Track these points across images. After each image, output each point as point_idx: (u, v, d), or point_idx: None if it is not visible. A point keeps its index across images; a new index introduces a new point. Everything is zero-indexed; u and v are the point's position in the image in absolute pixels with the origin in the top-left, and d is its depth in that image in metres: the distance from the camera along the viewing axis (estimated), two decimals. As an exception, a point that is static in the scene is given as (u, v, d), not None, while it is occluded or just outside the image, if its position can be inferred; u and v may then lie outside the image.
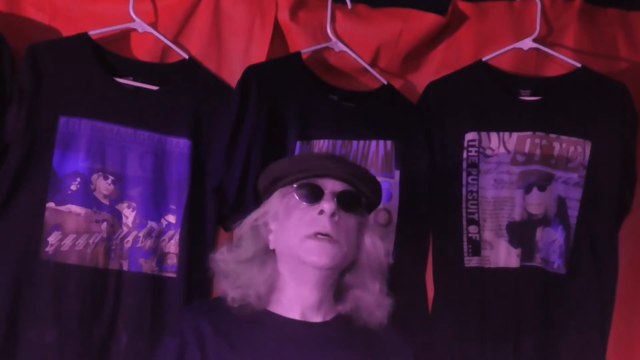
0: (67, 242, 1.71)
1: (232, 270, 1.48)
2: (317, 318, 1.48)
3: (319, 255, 1.43)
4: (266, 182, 1.56)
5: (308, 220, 1.45)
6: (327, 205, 1.45)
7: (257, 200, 1.68)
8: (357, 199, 1.51)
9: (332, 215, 1.44)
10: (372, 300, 1.49)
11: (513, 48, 2.01)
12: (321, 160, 1.52)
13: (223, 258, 1.50)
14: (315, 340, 1.45)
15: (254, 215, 1.53)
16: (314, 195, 1.47)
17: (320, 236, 1.43)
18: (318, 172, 1.49)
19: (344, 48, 1.99)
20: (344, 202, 1.48)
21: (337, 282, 1.51)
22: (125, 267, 1.75)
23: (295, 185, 1.49)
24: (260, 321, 1.45)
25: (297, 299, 1.47)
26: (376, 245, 1.53)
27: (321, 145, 1.86)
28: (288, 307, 1.47)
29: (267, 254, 1.50)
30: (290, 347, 1.43)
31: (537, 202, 1.90)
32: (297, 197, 1.48)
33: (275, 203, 1.52)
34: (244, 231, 1.52)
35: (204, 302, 1.64)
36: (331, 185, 1.48)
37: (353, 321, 1.49)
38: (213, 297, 1.58)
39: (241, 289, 1.45)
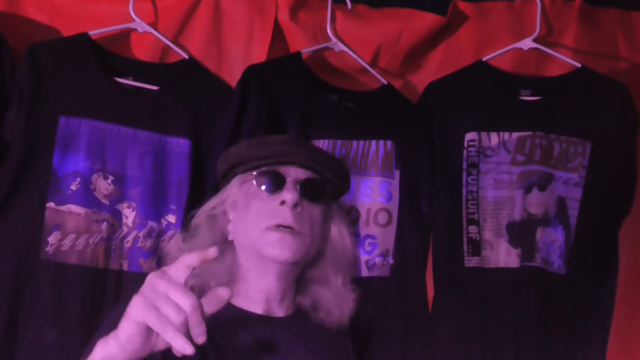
0: (67, 242, 1.71)
1: None
2: (280, 311, 1.41)
3: (281, 248, 1.34)
4: (224, 167, 1.45)
5: (268, 210, 1.36)
6: (289, 195, 1.35)
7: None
8: (322, 187, 1.42)
9: (295, 206, 1.35)
10: (331, 298, 1.42)
11: (513, 48, 2.01)
12: (283, 146, 1.41)
13: (179, 247, 1.41)
14: (277, 336, 1.37)
15: (211, 203, 1.44)
16: (275, 183, 1.38)
17: (282, 228, 1.34)
18: (280, 158, 1.39)
19: (344, 48, 1.99)
20: (308, 191, 1.39)
21: (300, 274, 1.43)
22: (125, 267, 1.75)
23: (255, 173, 1.39)
24: (223, 314, 1.31)
25: (259, 292, 1.39)
26: (343, 235, 1.45)
27: (321, 145, 1.86)
28: (251, 299, 1.39)
29: (226, 244, 1.41)
30: (253, 341, 1.34)
31: (537, 202, 1.90)
32: (256, 186, 1.39)
33: (234, 191, 1.42)
34: (200, 220, 1.43)
35: None
36: (294, 173, 1.39)
37: (310, 318, 1.42)
38: None
39: (200, 278, 1.35)
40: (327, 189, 1.44)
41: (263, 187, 1.38)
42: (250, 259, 1.39)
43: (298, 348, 1.38)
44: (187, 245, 1.40)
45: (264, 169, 1.39)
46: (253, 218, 1.37)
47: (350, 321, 1.43)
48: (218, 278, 1.36)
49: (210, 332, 1.25)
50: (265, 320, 1.38)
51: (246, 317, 1.37)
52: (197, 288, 1.33)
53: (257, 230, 1.36)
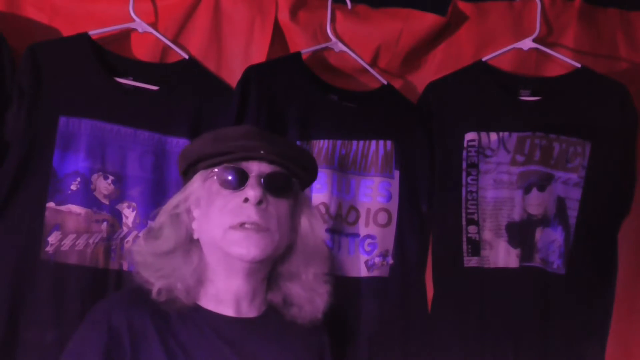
0: (67, 242, 1.71)
1: (151, 263, 1.33)
2: (251, 312, 1.37)
3: (247, 247, 1.29)
4: (185, 164, 1.40)
5: (232, 208, 1.31)
6: (252, 192, 1.30)
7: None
8: (287, 181, 1.37)
9: (259, 202, 1.30)
10: (302, 293, 1.39)
11: (513, 48, 2.01)
12: (244, 140, 1.35)
13: (139, 250, 1.36)
14: (249, 338, 1.34)
15: (174, 201, 1.38)
16: (238, 179, 1.32)
17: (246, 226, 1.30)
18: (242, 154, 1.33)
19: (344, 48, 1.99)
20: (272, 186, 1.34)
21: (270, 271, 1.40)
22: (125, 267, 1.75)
23: (216, 169, 1.34)
24: (192, 318, 1.32)
25: (229, 292, 1.35)
26: (313, 227, 1.41)
27: (321, 145, 1.86)
28: (220, 301, 1.35)
29: (192, 243, 1.37)
30: (224, 346, 1.31)
31: (536, 203, 1.90)
32: (218, 183, 1.33)
33: (196, 187, 1.37)
34: (163, 220, 1.37)
35: (126, 293, 1.44)
36: (257, 168, 1.34)
37: (282, 315, 1.39)
38: (131, 288, 1.38)
39: (166, 279, 1.31)
40: (293, 182, 1.39)
41: (225, 185, 1.33)
42: (216, 259, 1.35)
43: (270, 349, 1.35)
44: (150, 248, 1.35)
45: (225, 165, 1.34)
46: (216, 216, 1.32)
47: (325, 315, 1.40)
48: (185, 280, 1.33)
49: (179, 337, 1.27)
50: (235, 322, 1.35)
51: (216, 320, 1.34)
52: (165, 290, 1.31)
53: (220, 229, 1.31)
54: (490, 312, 1.88)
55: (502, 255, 1.90)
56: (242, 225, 1.30)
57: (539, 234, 1.90)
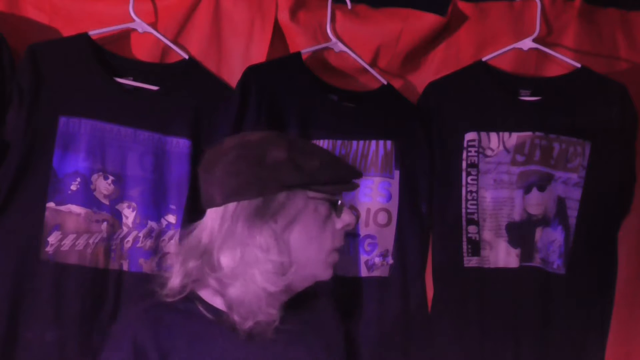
0: (67, 242, 1.71)
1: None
2: (276, 319, 1.33)
3: (332, 269, 1.35)
4: (294, 181, 1.29)
5: (332, 234, 1.33)
6: (350, 219, 1.34)
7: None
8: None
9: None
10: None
11: (513, 48, 2.01)
12: (349, 172, 1.36)
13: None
14: (274, 340, 1.31)
15: (265, 207, 1.29)
16: (337, 208, 1.35)
17: (337, 250, 1.35)
18: (346, 186, 1.35)
19: (344, 48, 1.99)
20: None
21: None
22: (125, 267, 1.75)
23: (339, 202, 1.34)
24: (219, 324, 1.29)
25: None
26: None
27: (321, 145, 1.86)
28: None
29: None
30: (251, 349, 1.30)
31: (536, 203, 1.91)
32: (328, 208, 1.32)
33: (300, 206, 1.30)
34: (243, 222, 1.28)
35: (148, 305, 1.34)
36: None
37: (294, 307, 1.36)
38: (146, 303, 1.34)
39: (188, 277, 1.30)
40: None
41: (332, 211, 1.34)
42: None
43: (294, 350, 1.35)
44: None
45: (333, 197, 1.34)
46: (321, 242, 1.32)
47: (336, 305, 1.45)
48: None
49: (205, 345, 1.27)
50: (264, 329, 1.31)
51: (247, 329, 1.30)
52: (178, 289, 1.30)
53: (322, 253, 1.32)
54: (490, 312, 1.88)
55: (502, 255, 1.90)
56: (336, 249, 1.34)
57: (539, 234, 1.90)
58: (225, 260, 1.29)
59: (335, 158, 1.43)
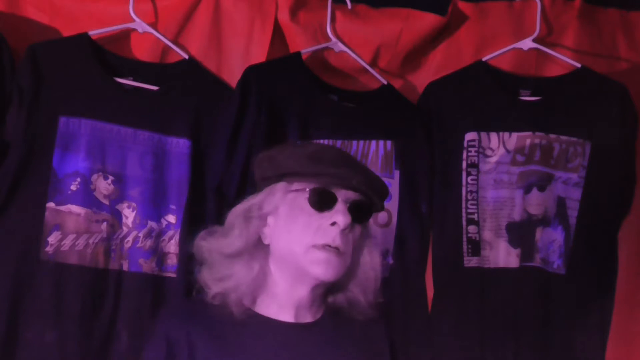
0: (67, 242, 1.71)
1: (216, 261, 1.37)
2: (308, 317, 1.40)
3: (326, 268, 1.33)
4: (269, 173, 1.41)
5: (317, 228, 1.34)
6: (342, 218, 1.33)
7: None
8: (369, 210, 1.41)
9: (345, 229, 1.34)
10: (356, 289, 1.42)
11: (513, 48, 2.01)
12: (338, 168, 1.37)
13: (208, 247, 1.39)
14: (307, 342, 1.37)
15: (248, 204, 1.40)
16: (327, 203, 1.35)
17: (328, 248, 1.33)
18: (334, 181, 1.36)
19: (344, 48, 1.99)
20: (357, 213, 1.37)
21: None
22: (125, 267, 1.75)
23: (307, 189, 1.36)
24: (250, 325, 1.36)
25: (291, 300, 1.38)
26: (372, 257, 1.45)
27: (321, 145, 1.86)
28: (279, 307, 1.38)
29: (257, 248, 1.39)
30: (283, 352, 1.34)
31: (536, 203, 1.91)
32: (308, 202, 1.35)
33: (277, 197, 1.38)
34: (235, 220, 1.39)
35: (184, 303, 1.52)
36: (344, 193, 1.36)
37: (339, 317, 1.41)
38: (189, 297, 1.47)
39: (224, 283, 1.35)
40: (372, 211, 1.42)
41: (314, 206, 1.35)
42: (286, 269, 1.38)
43: (327, 353, 1.38)
44: (217, 245, 1.38)
45: (318, 187, 1.36)
46: (299, 233, 1.35)
47: (379, 306, 1.44)
48: (243, 288, 1.36)
49: (240, 346, 1.33)
50: (293, 327, 1.38)
51: (275, 326, 1.37)
52: (220, 295, 1.36)
53: (302, 246, 1.34)
54: (490, 312, 1.88)
55: (502, 255, 1.90)
56: (324, 246, 1.33)
57: (539, 233, 1.90)
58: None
59: (322, 156, 1.40)
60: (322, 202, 1.35)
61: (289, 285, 1.38)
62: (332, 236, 1.33)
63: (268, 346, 1.34)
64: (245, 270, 1.37)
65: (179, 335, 1.32)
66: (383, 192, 1.44)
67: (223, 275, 1.36)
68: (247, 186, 1.80)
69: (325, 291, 1.42)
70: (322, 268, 1.33)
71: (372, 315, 1.42)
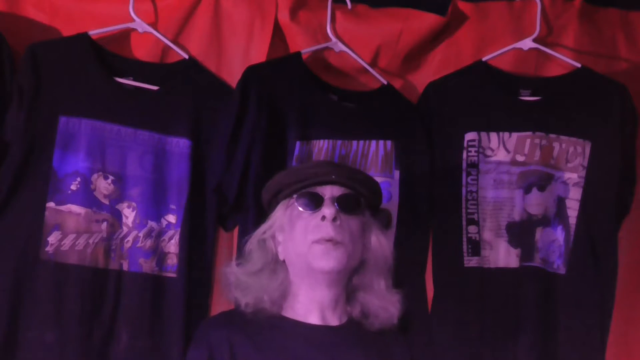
0: (67, 242, 1.71)
1: (243, 282, 1.54)
2: (334, 320, 1.55)
3: (327, 259, 1.49)
4: (268, 196, 1.62)
5: (312, 227, 1.51)
6: (328, 210, 1.50)
7: (257, 200, 1.69)
8: (357, 200, 1.56)
9: (334, 219, 1.50)
10: (377, 303, 1.56)
11: (513, 48, 2.01)
12: (317, 168, 1.57)
13: (233, 272, 1.57)
14: (335, 343, 1.51)
15: (261, 229, 1.59)
16: (315, 202, 1.53)
17: (324, 241, 1.49)
18: (315, 179, 1.54)
19: (344, 48, 1.99)
20: (344, 205, 1.54)
21: (347, 283, 1.58)
22: (125, 267, 1.75)
23: (295, 196, 1.55)
24: (281, 327, 1.52)
25: (314, 302, 1.54)
26: (381, 243, 1.60)
27: (321, 145, 1.86)
28: (306, 311, 1.54)
29: (277, 264, 1.57)
30: (313, 350, 1.49)
31: (536, 203, 1.90)
32: (298, 207, 1.54)
33: (279, 215, 1.58)
34: (252, 245, 1.58)
35: (222, 314, 1.65)
36: (330, 191, 1.54)
37: (362, 325, 1.56)
38: (225, 310, 1.66)
39: (254, 294, 1.52)
40: (361, 201, 1.58)
41: (304, 207, 1.54)
42: (300, 273, 1.55)
43: (354, 354, 1.52)
44: (242, 270, 1.56)
45: (302, 191, 1.55)
46: (299, 236, 1.52)
47: (400, 323, 1.60)
48: (271, 293, 1.53)
49: (275, 346, 1.47)
50: (321, 329, 1.53)
51: (304, 328, 1.52)
52: (252, 302, 1.52)
53: (304, 245, 1.51)
54: (490, 312, 1.88)
55: (502, 255, 1.90)
56: (321, 240, 1.50)
57: (539, 233, 1.90)
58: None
59: (303, 165, 1.68)
60: (310, 202, 1.54)
61: (308, 288, 1.54)
62: (325, 230, 1.50)
63: (298, 346, 1.49)
64: (270, 279, 1.55)
65: (220, 337, 1.48)
66: (369, 184, 1.60)
67: (252, 288, 1.53)
68: (247, 186, 1.80)
69: (345, 294, 1.57)
70: (323, 260, 1.49)
71: (388, 324, 1.57)
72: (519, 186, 1.91)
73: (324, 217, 1.51)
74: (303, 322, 1.53)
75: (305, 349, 1.49)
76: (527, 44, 2.01)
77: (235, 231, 1.87)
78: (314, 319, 1.54)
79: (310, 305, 1.54)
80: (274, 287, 1.54)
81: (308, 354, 1.48)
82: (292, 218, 1.55)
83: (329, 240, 1.49)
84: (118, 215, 1.76)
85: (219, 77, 1.92)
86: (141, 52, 1.91)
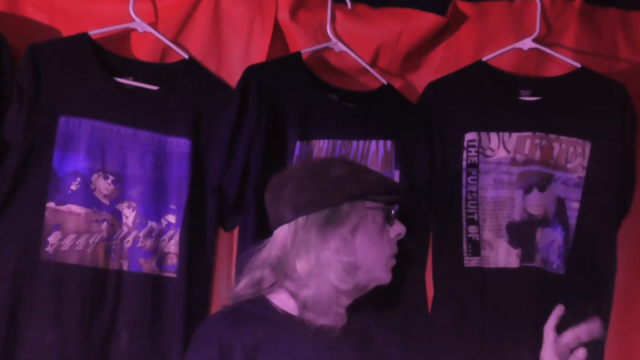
0: (67, 242, 1.71)
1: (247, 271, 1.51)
2: (339, 320, 1.50)
3: (390, 274, 1.53)
4: (357, 190, 1.49)
5: (390, 241, 1.53)
6: (401, 228, 1.53)
7: (258, 200, 1.68)
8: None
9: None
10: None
11: (513, 48, 2.01)
12: (397, 186, 1.65)
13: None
14: (343, 343, 1.47)
15: (336, 214, 1.47)
16: (390, 217, 1.53)
17: (393, 257, 1.53)
18: (396, 197, 1.54)
19: (344, 48, 1.99)
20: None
21: None
22: (125, 267, 1.75)
23: (381, 205, 1.51)
24: (295, 327, 1.45)
25: (333, 307, 1.49)
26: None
27: (321, 145, 1.86)
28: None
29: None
30: (324, 351, 1.45)
31: (536, 203, 1.91)
32: (380, 218, 1.51)
33: (359, 212, 1.48)
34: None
35: (227, 312, 1.53)
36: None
37: (363, 325, 1.53)
38: (226, 306, 1.55)
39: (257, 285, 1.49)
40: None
41: (384, 220, 1.52)
42: (349, 280, 1.47)
43: (360, 353, 1.49)
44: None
45: (388, 206, 1.53)
46: (380, 247, 1.51)
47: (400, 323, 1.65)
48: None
49: (285, 346, 1.43)
50: (332, 329, 1.46)
51: (317, 328, 1.45)
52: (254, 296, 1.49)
53: (381, 257, 1.51)
54: (490, 312, 1.88)
55: (502, 255, 1.90)
56: (393, 255, 1.53)
57: (539, 234, 1.90)
58: (301, 265, 1.45)
59: (384, 176, 1.65)
60: (389, 216, 1.54)
61: (342, 294, 1.48)
62: (395, 246, 1.54)
63: (311, 346, 1.45)
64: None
65: (231, 339, 1.40)
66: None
67: (257, 277, 1.49)
68: (247, 186, 1.80)
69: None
70: (389, 274, 1.53)
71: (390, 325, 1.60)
72: (519, 186, 1.91)
73: (399, 235, 1.53)
74: (314, 322, 1.45)
75: (317, 349, 1.45)
76: (527, 44, 2.00)
77: (235, 231, 1.87)
78: (325, 319, 1.47)
79: (329, 309, 1.48)
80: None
81: (320, 355, 1.44)
82: (370, 223, 1.49)
83: (395, 256, 1.53)
84: (118, 215, 1.76)
85: (219, 77, 1.92)
86: (141, 52, 1.91)
